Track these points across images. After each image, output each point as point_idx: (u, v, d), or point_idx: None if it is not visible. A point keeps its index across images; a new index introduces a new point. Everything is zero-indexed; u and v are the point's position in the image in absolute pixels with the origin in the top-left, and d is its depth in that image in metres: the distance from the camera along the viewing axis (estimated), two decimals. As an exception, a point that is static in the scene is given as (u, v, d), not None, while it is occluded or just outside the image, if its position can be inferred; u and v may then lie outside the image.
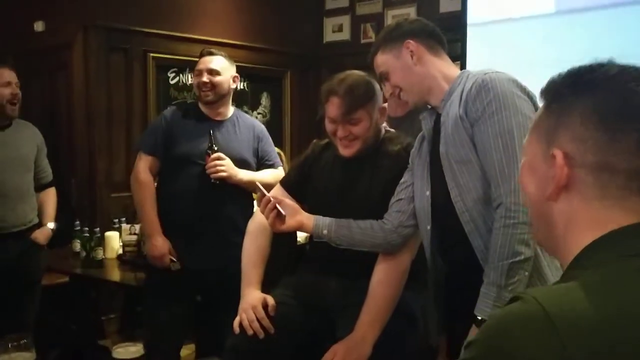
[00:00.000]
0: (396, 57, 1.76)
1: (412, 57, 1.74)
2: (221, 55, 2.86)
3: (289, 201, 1.95)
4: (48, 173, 3.22)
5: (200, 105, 2.86)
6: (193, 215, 2.72)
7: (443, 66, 1.77)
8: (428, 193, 1.76)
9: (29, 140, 3.08)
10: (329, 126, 2.04)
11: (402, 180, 1.90)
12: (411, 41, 1.75)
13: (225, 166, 2.69)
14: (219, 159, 2.69)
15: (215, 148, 2.71)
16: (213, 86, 2.78)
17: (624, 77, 0.81)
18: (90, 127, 4.21)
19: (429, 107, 1.79)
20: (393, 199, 1.91)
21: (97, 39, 4.18)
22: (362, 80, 2.01)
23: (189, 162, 2.73)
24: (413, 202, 1.85)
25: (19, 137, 3.01)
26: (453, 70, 1.78)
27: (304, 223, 1.90)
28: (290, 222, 1.87)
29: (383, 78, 1.83)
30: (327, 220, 1.93)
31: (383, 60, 1.79)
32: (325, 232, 1.90)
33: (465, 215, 1.62)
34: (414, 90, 1.76)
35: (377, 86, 2.05)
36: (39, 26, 4.41)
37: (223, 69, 2.81)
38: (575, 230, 0.83)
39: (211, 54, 2.85)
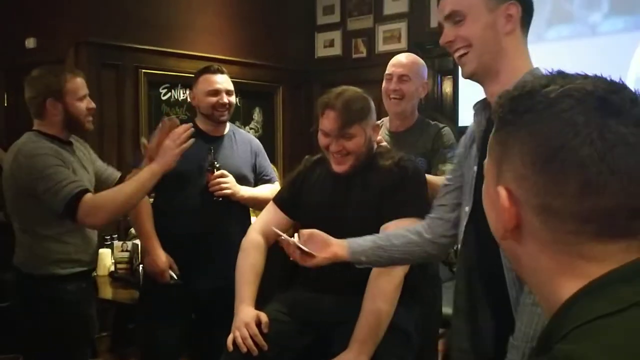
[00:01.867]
0: (488, 10, 1.40)
1: (507, 23, 1.39)
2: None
3: (319, 232, 1.76)
4: (112, 172, 2.74)
5: (198, 122, 2.77)
6: (193, 232, 2.65)
7: (522, 51, 1.45)
8: (467, 209, 1.53)
9: (91, 156, 2.70)
10: (322, 140, 2.04)
11: (446, 182, 1.69)
12: (517, 6, 1.39)
13: (229, 183, 2.65)
14: (222, 176, 2.64)
15: (217, 165, 2.66)
16: (230, 106, 2.75)
17: (563, 103, 0.69)
18: (81, 143, 4.19)
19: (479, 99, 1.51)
20: (436, 202, 1.70)
21: (88, 55, 4.17)
22: (359, 96, 2.03)
23: (188, 179, 2.66)
24: (457, 208, 1.62)
25: (87, 156, 2.67)
26: (526, 60, 1.46)
27: (338, 254, 1.71)
28: (323, 255, 1.71)
29: (449, 18, 1.45)
30: (362, 244, 1.71)
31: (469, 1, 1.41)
32: (363, 258, 1.73)
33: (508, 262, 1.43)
34: (483, 59, 1.43)
35: (372, 103, 2.07)
36: (30, 43, 4.41)
37: (233, 88, 2.79)
38: (542, 275, 0.73)
39: (223, 72, 2.78)
